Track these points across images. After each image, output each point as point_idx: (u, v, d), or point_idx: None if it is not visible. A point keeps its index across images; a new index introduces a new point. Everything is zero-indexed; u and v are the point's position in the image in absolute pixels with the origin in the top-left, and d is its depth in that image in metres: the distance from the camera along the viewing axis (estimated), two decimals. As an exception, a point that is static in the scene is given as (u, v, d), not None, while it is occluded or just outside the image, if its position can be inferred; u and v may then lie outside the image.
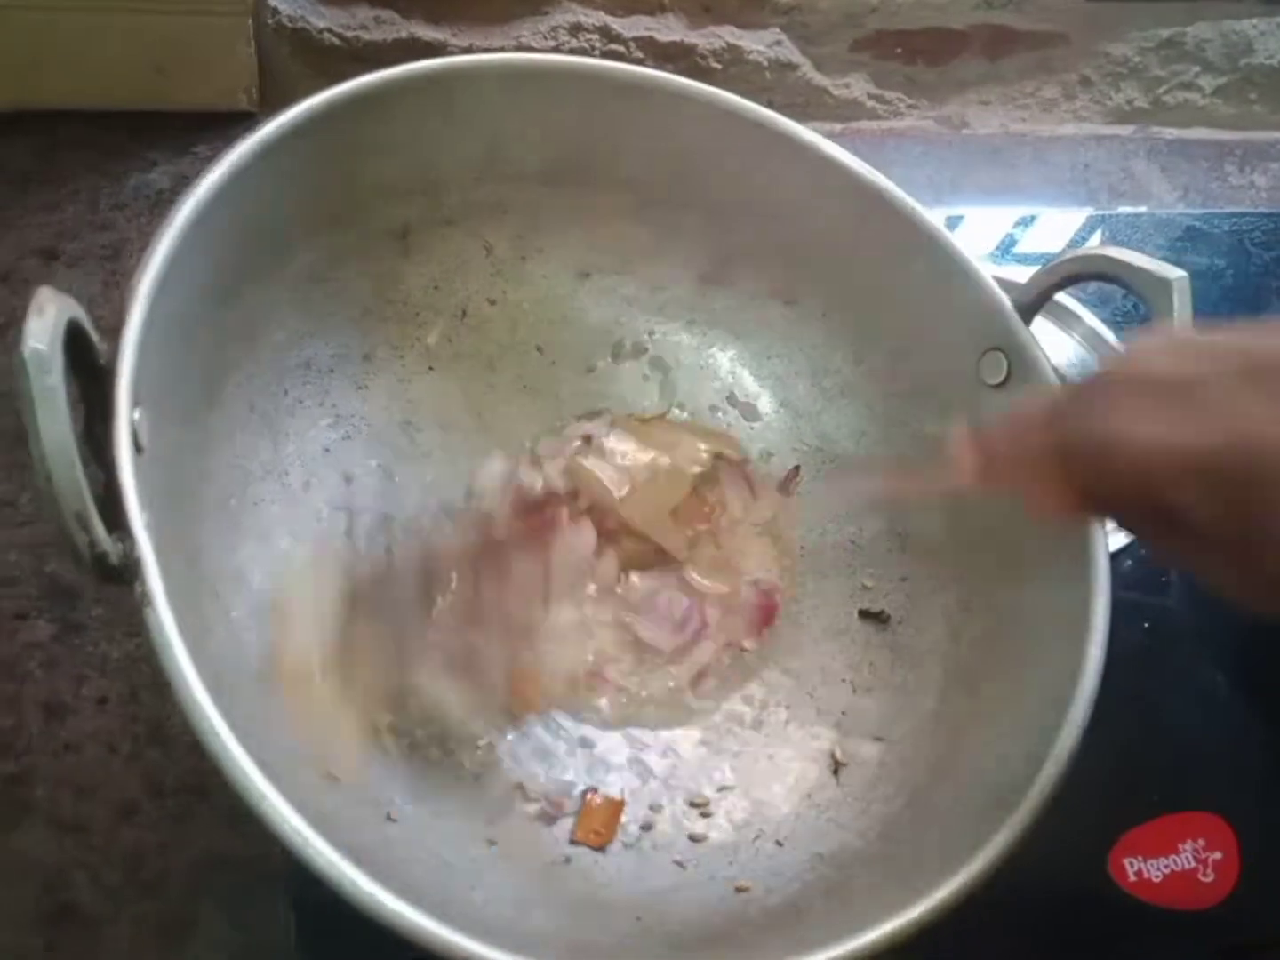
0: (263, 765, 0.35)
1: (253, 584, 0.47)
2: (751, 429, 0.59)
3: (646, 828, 0.49)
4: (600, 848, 0.48)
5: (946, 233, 0.51)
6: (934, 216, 0.51)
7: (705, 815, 0.49)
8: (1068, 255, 0.48)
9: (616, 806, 0.49)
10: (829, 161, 0.52)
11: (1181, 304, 0.44)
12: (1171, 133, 0.88)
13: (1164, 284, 0.44)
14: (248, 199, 0.45)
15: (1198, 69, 0.87)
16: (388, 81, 0.49)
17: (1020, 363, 0.49)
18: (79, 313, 0.36)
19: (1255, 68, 0.87)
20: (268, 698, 0.44)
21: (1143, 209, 0.82)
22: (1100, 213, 0.78)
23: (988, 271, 0.50)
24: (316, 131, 0.47)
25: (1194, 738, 0.58)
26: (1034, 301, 0.49)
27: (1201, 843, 0.55)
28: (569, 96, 0.52)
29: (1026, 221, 0.75)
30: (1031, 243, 0.74)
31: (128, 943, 0.48)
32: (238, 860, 0.49)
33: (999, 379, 0.50)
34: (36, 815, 0.49)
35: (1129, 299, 0.71)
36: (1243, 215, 0.81)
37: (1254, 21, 0.85)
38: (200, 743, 0.34)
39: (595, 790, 0.49)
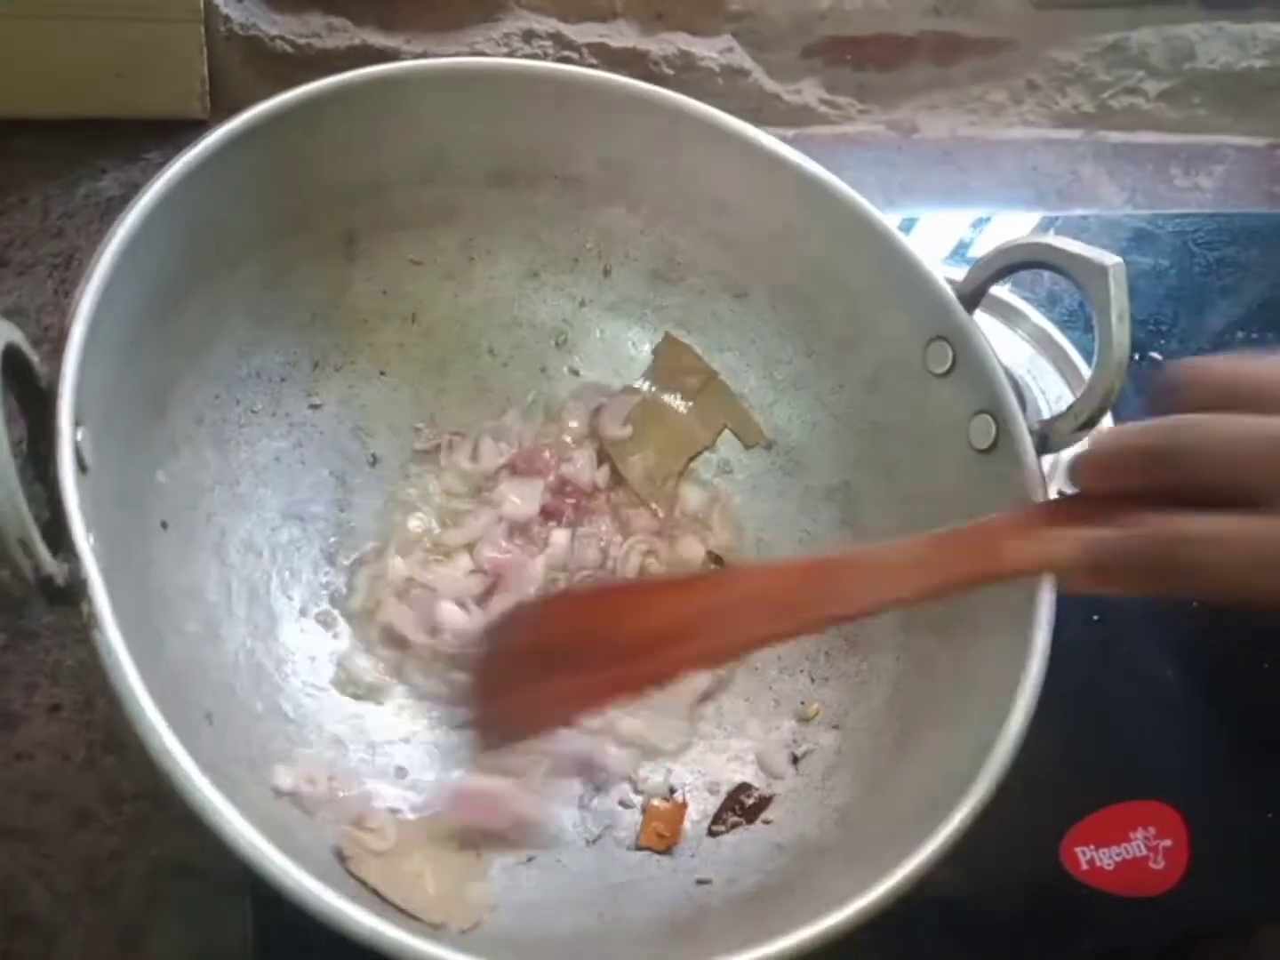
0: (219, 781, 0.35)
1: (207, 597, 0.47)
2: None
3: (609, 824, 0.49)
4: (667, 851, 0.48)
5: (890, 225, 0.51)
6: (877, 209, 0.52)
7: (666, 809, 0.50)
8: (1005, 244, 0.48)
9: (680, 809, 0.49)
10: (773, 157, 0.53)
11: (1118, 290, 0.44)
12: (1117, 136, 0.90)
13: (1100, 270, 0.44)
14: (191, 209, 0.45)
15: (1142, 74, 0.88)
16: (332, 88, 0.49)
17: (964, 351, 0.50)
18: (17, 336, 0.35)
19: (1198, 72, 0.89)
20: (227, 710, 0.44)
21: (1091, 211, 0.83)
22: (1052, 214, 0.80)
23: (931, 263, 0.51)
24: (260, 140, 0.47)
25: (1144, 727, 0.59)
26: (976, 291, 0.50)
27: (1152, 830, 0.56)
28: (514, 99, 0.52)
29: (980, 224, 0.76)
30: (985, 246, 0.75)
31: (83, 951, 0.47)
32: (195, 867, 0.49)
33: (945, 367, 0.50)
34: (-12, 824, 0.49)
35: (1076, 297, 0.72)
36: (1186, 216, 0.82)
37: (1196, 26, 0.87)
38: (154, 762, 0.34)
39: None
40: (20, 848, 0.49)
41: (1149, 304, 0.75)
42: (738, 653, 0.49)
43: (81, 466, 0.37)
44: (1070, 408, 0.47)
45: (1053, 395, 0.69)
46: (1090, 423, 0.46)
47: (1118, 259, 0.45)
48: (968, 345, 0.50)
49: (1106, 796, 0.56)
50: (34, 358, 0.37)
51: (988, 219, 0.76)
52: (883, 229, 0.51)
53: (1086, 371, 0.68)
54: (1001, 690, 0.43)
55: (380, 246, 0.55)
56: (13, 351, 0.35)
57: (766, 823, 0.48)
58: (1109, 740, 0.58)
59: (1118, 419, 0.65)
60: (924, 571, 0.42)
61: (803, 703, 0.52)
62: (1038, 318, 0.71)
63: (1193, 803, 0.57)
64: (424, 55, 0.73)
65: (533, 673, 0.45)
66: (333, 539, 0.53)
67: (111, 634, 0.34)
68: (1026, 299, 0.72)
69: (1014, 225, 0.77)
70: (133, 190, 0.63)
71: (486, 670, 0.46)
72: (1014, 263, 0.48)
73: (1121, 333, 0.45)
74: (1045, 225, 0.78)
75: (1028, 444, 0.47)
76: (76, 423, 0.37)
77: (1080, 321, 0.72)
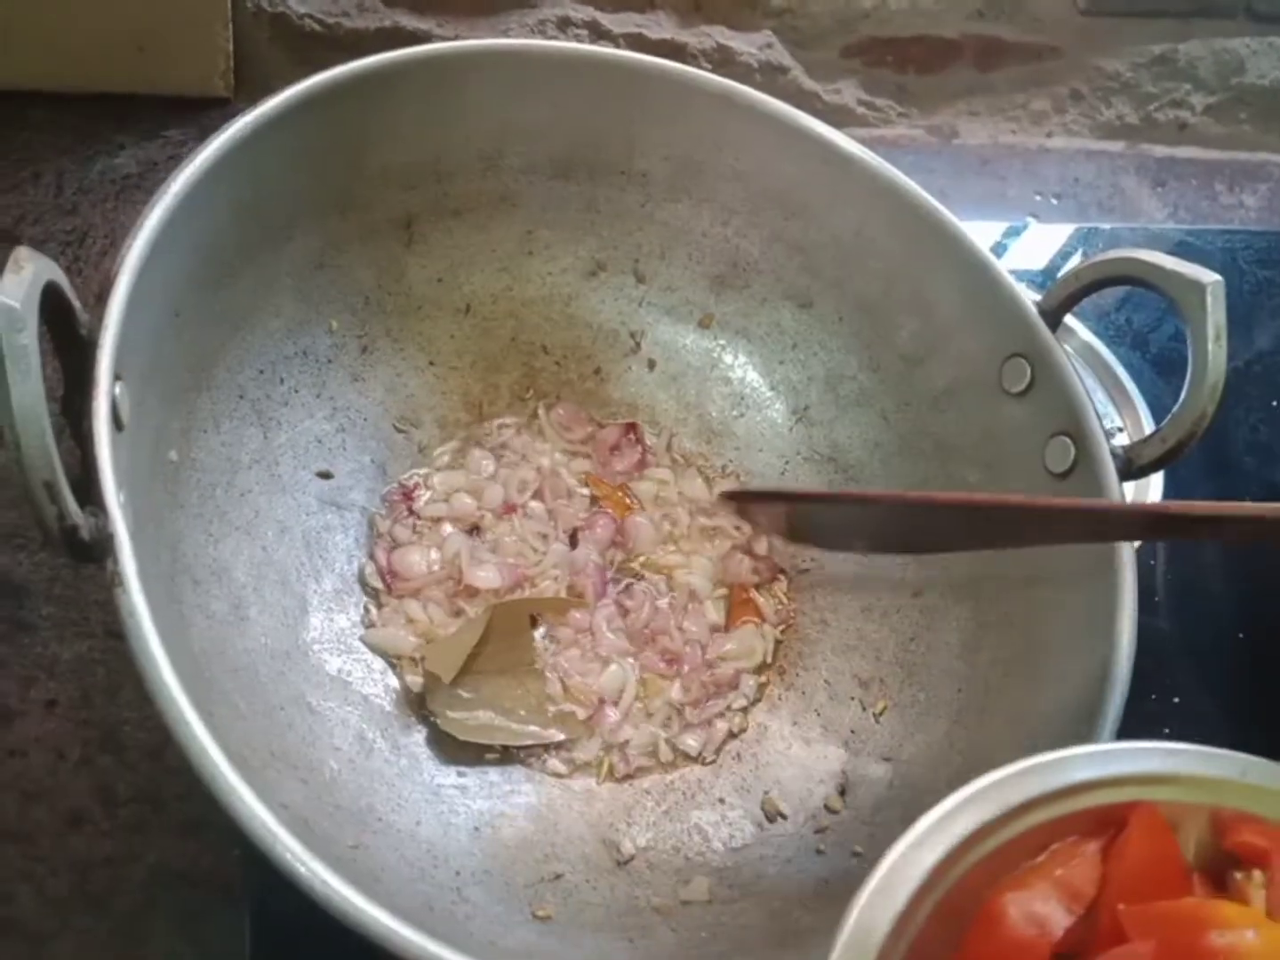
0: (238, 763, 0.33)
1: (236, 577, 0.45)
2: (762, 436, 0.57)
3: (644, 847, 0.46)
4: None
5: (971, 235, 0.50)
6: (958, 218, 0.50)
7: (703, 836, 0.47)
8: (1096, 258, 0.46)
9: None
10: (850, 160, 0.51)
11: (1215, 309, 0.42)
12: (1161, 150, 0.87)
13: (1198, 287, 0.43)
14: (246, 175, 0.44)
15: (1189, 86, 0.86)
16: (399, 62, 0.48)
17: (1045, 369, 0.48)
18: (59, 276, 0.34)
19: (1246, 87, 0.87)
20: (249, 696, 0.42)
21: (1136, 225, 0.81)
22: (1090, 225, 0.78)
23: (1012, 277, 0.49)
24: (323, 110, 0.46)
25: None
26: (1060, 307, 0.48)
27: None
28: (582, 86, 0.51)
29: (1015, 233, 0.75)
30: (1021, 255, 0.74)
31: (72, 958, 0.44)
32: (192, 874, 0.46)
33: (1021, 386, 0.48)
34: (-22, 824, 0.46)
35: (1122, 313, 0.71)
36: (1235, 233, 0.80)
37: (1246, 40, 0.85)
38: (170, 732, 0.32)
39: None
40: (10, 850, 0.46)
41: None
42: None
43: (117, 424, 0.35)
44: (1157, 431, 0.45)
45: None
46: (1179, 448, 0.44)
47: (1217, 276, 0.43)
48: (1049, 364, 0.47)
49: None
50: (76, 302, 0.35)
51: (1023, 227, 0.75)
52: (964, 240, 0.50)
53: (1133, 389, 0.66)
54: (1072, 734, 0.41)
55: (438, 233, 0.53)
56: (53, 291, 0.33)
57: (820, 853, 0.45)
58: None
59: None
60: None
61: (853, 731, 0.50)
62: (1084, 333, 0.68)
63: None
64: (456, 39, 0.72)
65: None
66: (368, 530, 0.51)
67: (135, 596, 0.33)
68: (1072, 313, 0.70)
69: (1054, 236, 0.75)
70: (151, 168, 0.62)
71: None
72: (1103, 278, 0.46)
73: (1218, 353, 0.43)
74: (1086, 236, 0.76)
75: (1110, 469, 0.45)
76: (116, 376, 0.35)
77: (1127, 338, 0.70)
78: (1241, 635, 0.61)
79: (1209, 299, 0.42)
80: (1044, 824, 0.31)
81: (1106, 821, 0.31)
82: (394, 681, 0.48)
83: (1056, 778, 0.31)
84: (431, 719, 0.47)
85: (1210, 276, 0.43)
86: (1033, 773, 0.31)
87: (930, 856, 0.29)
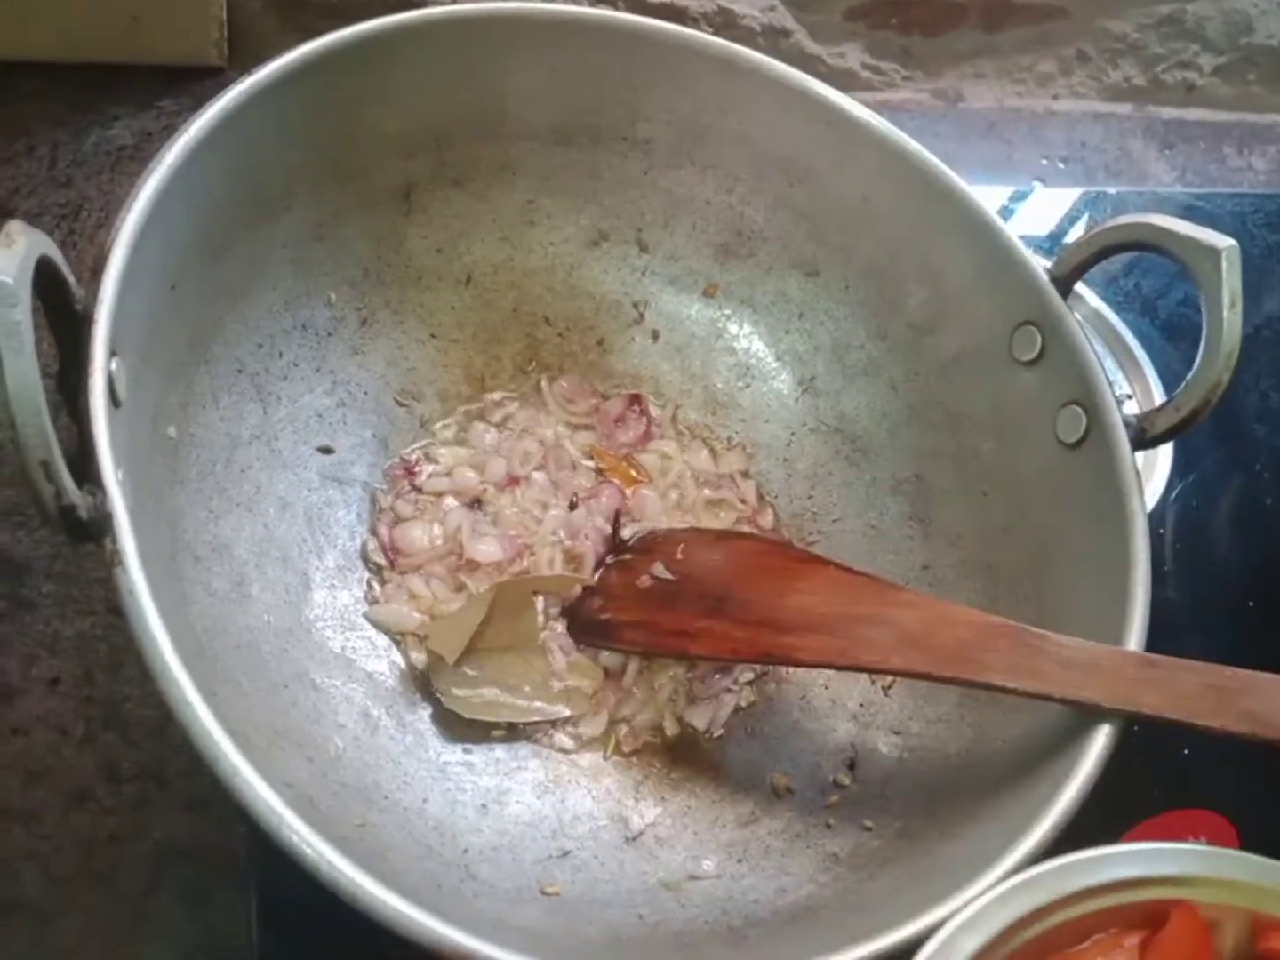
0: (241, 743, 0.32)
1: (237, 554, 0.45)
2: (768, 407, 0.56)
3: (652, 823, 0.46)
4: None
5: (980, 202, 0.49)
6: (965, 183, 0.49)
7: (712, 810, 0.46)
8: (1108, 224, 0.45)
9: None
10: (856, 124, 0.50)
11: (1230, 274, 0.42)
12: (1169, 112, 0.86)
13: (1212, 253, 0.42)
14: (243, 143, 0.43)
15: (1197, 47, 0.84)
16: (395, 28, 0.47)
17: (1056, 338, 0.47)
18: (53, 250, 0.33)
19: (1255, 48, 0.85)
20: (253, 675, 0.41)
21: (1145, 188, 0.80)
22: (1098, 189, 0.76)
23: (1023, 244, 0.48)
24: (318, 77, 0.45)
25: (1196, 736, 0.55)
26: (1071, 273, 0.47)
27: (1204, 840, 0.53)
28: (583, 50, 0.50)
29: (1022, 197, 0.74)
30: (1027, 220, 0.72)
31: (79, 938, 0.45)
32: (196, 851, 0.46)
33: (1032, 355, 0.48)
34: (-18, 803, 0.46)
35: (1130, 278, 0.70)
36: (1244, 196, 0.79)
37: (1255, 0, 0.83)
38: (172, 713, 0.32)
39: None
40: (14, 828, 0.46)
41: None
42: (859, 669, 0.45)
43: (114, 400, 0.35)
44: (1171, 400, 0.44)
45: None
46: (1193, 417, 0.43)
47: (1231, 241, 0.42)
48: (1060, 332, 0.47)
49: (1159, 804, 0.53)
50: (70, 277, 0.34)
51: (1030, 192, 0.74)
52: (973, 205, 0.49)
53: (1142, 356, 0.65)
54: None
55: (437, 203, 0.52)
56: (46, 265, 0.33)
57: (829, 827, 0.45)
58: (1162, 747, 0.54)
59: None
60: (1119, 685, 0.39)
61: (862, 705, 0.49)
62: (1093, 299, 0.67)
63: (1245, 812, 0.53)
64: (453, 3, 0.71)
65: (653, 597, 0.47)
66: (370, 505, 0.50)
67: (135, 575, 0.32)
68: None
69: (1061, 200, 0.74)
70: (145, 139, 0.61)
71: (612, 577, 0.49)
72: (1115, 244, 0.45)
73: (1233, 320, 0.42)
74: (1093, 200, 0.74)
75: (1123, 439, 0.44)
76: (112, 352, 0.35)
77: (1136, 303, 0.69)
78: (1251, 604, 0.61)
79: (1224, 264, 0.42)
80: (1089, 914, 0.32)
81: (1149, 916, 0.32)
82: (398, 658, 0.48)
83: (1104, 873, 0.32)
84: (437, 697, 0.46)
85: (1225, 241, 0.42)
86: (1082, 866, 0.32)
87: (977, 938, 0.30)
